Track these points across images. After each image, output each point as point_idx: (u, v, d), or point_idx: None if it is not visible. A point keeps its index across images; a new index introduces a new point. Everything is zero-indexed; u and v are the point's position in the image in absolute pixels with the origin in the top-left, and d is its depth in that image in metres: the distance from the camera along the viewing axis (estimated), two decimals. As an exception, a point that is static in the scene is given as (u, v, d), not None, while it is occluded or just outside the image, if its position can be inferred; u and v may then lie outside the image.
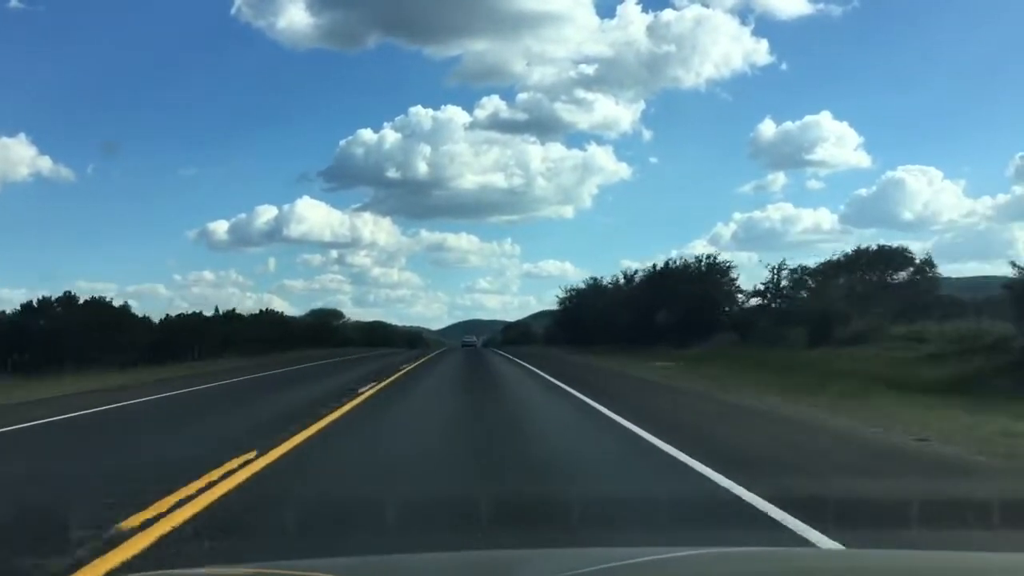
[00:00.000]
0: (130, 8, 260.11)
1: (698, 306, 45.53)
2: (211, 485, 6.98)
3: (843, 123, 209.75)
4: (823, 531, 5.22)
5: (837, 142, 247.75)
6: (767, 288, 43.22)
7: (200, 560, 4.84)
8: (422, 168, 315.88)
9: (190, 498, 6.42)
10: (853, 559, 3.07)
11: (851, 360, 22.83)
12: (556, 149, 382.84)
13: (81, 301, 37.82)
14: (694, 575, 2.39)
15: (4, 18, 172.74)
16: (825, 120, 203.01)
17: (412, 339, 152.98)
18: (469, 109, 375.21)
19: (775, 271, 42.98)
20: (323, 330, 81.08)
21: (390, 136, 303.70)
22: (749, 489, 6.52)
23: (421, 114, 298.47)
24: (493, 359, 40.87)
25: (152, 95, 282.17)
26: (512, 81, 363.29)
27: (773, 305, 42.61)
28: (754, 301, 45.40)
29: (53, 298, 37.36)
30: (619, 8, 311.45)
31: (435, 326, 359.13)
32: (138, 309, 50.60)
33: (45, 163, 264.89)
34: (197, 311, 54.81)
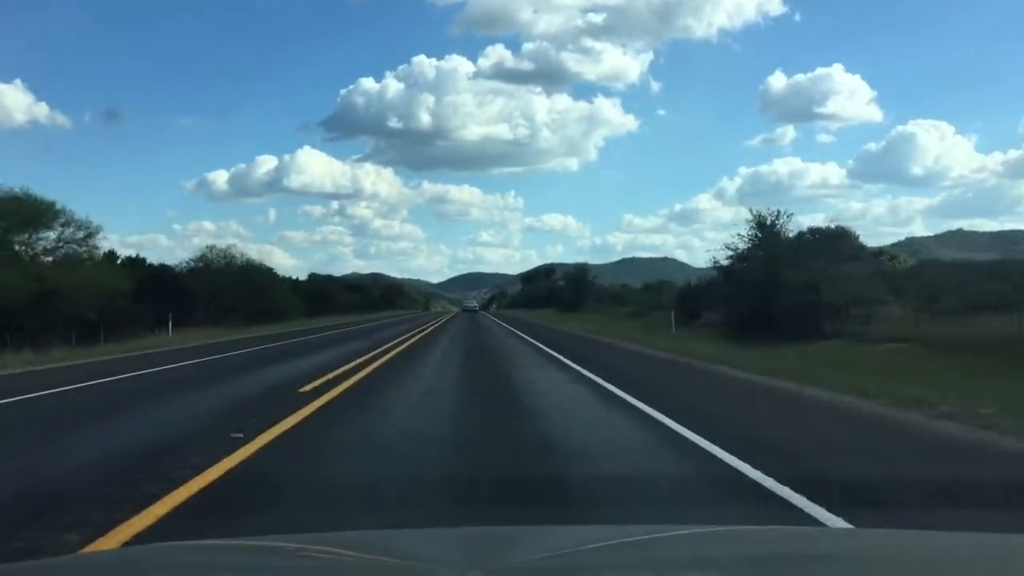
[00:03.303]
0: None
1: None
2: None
3: (856, 76, 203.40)
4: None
5: (850, 95, 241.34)
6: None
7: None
8: (425, 118, 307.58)
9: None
10: (862, 538, 3.04)
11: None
12: (562, 100, 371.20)
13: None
14: (699, 553, 2.34)
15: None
16: (837, 73, 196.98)
17: (387, 297, 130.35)
18: (473, 58, 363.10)
19: None
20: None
21: (392, 85, 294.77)
22: None
23: (424, 63, 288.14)
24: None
25: (148, 41, 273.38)
26: (518, 29, 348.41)
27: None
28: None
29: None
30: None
31: (436, 279, 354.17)
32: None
33: (42, 110, 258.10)
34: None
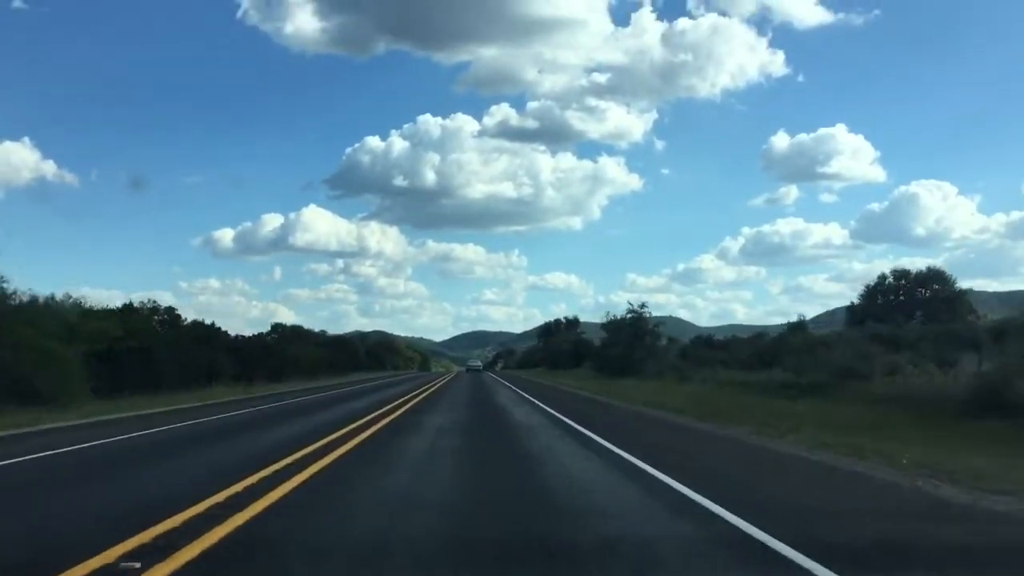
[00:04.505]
0: (134, 11, 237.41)
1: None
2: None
3: (859, 136, 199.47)
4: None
5: (853, 155, 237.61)
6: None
7: None
8: (430, 176, 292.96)
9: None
10: None
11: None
12: (566, 159, 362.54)
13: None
14: None
15: (6, 19, 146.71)
16: (840, 133, 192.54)
17: (375, 353, 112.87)
18: (478, 117, 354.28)
19: None
20: None
21: (397, 144, 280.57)
22: None
23: (429, 122, 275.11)
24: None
25: (156, 100, 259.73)
26: (522, 88, 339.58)
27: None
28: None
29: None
30: (634, 15, 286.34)
31: (439, 337, 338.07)
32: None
33: (49, 168, 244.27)
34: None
